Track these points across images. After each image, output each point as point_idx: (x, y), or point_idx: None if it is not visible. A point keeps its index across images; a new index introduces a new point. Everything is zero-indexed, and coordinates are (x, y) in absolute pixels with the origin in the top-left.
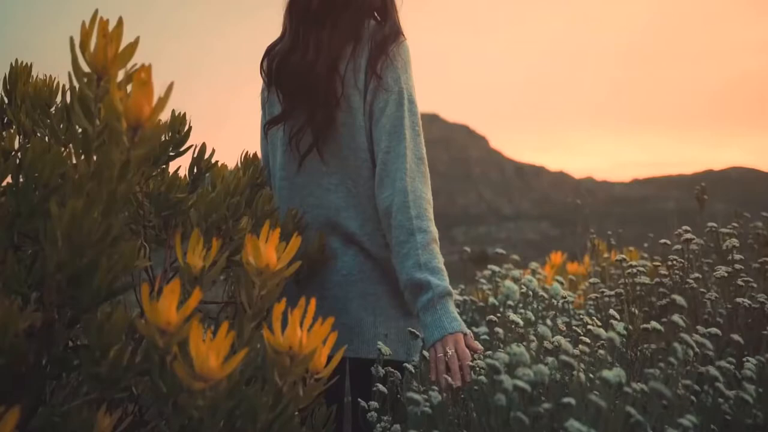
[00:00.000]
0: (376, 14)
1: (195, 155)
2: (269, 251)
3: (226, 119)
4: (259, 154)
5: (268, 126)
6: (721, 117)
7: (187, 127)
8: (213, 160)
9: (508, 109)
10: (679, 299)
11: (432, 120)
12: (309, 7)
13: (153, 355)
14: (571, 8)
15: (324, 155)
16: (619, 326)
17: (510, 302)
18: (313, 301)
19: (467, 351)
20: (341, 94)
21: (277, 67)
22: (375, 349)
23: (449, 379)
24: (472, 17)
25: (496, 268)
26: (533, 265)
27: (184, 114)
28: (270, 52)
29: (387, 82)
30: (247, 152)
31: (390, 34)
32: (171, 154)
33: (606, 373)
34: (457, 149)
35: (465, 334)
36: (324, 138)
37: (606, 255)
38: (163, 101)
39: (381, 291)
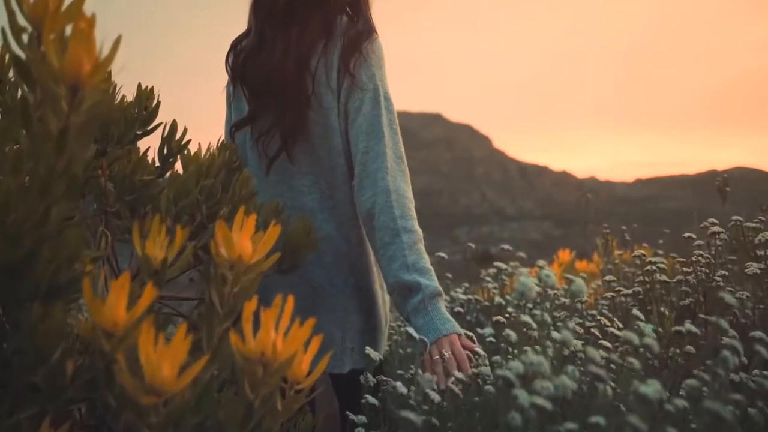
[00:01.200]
0: (348, 10)
1: (165, 134)
2: (243, 240)
3: None
4: None
5: (234, 129)
6: (723, 117)
7: (155, 102)
8: (186, 140)
9: (512, 109)
10: (728, 298)
11: (435, 120)
12: (276, 4)
13: (98, 362)
14: (573, 8)
15: (294, 156)
16: (648, 329)
17: (524, 301)
18: (290, 299)
19: (464, 352)
20: (312, 92)
21: (243, 65)
22: (340, 364)
23: (455, 373)
24: (475, 17)
25: (503, 266)
26: (541, 262)
27: (152, 88)
28: (235, 48)
29: (361, 80)
30: (223, 139)
31: (363, 31)
32: (138, 132)
33: (644, 388)
34: (460, 149)
35: (459, 335)
36: (293, 140)
37: (619, 252)
38: (109, 57)
39: (351, 306)
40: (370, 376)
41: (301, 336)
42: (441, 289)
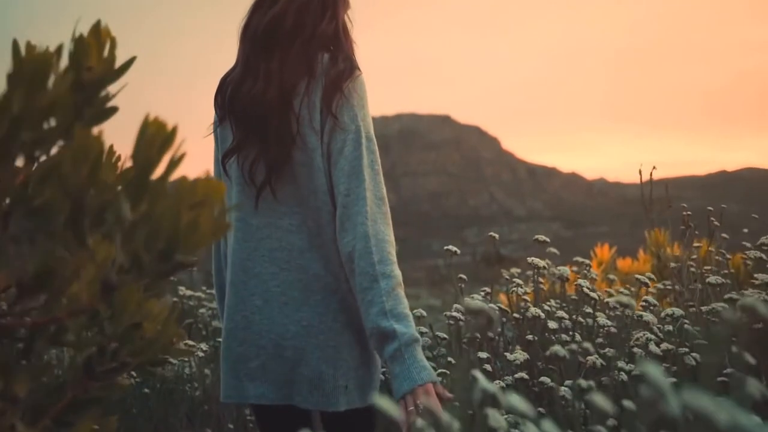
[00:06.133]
0: (330, 46)
1: None
2: None
3: None
4: None
5: (224, 158)
6: (732, 117)
7: None
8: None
9: (520, 110)
10: None
11: (443, 121)
12: (256, 35)
13: None
14: (579, 9)
15: (278, 193)
16: None
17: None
18: None
19: (438, 403)
20: (297, 133)
21: (230, 97)
22: (334, 402)
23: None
24: (483, 18)
25: (541, 263)
26: (579, 260)
27: None
28: (223, 85)
29: (344, 121)
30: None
31: (344, 70)
32: None
33: None
34: (469, 150)
35: (434, 383)
36: (278, 174)
37: (697, 244)
38: None
39: (341, 342)
40: None
41: None
42: (418, 335)
